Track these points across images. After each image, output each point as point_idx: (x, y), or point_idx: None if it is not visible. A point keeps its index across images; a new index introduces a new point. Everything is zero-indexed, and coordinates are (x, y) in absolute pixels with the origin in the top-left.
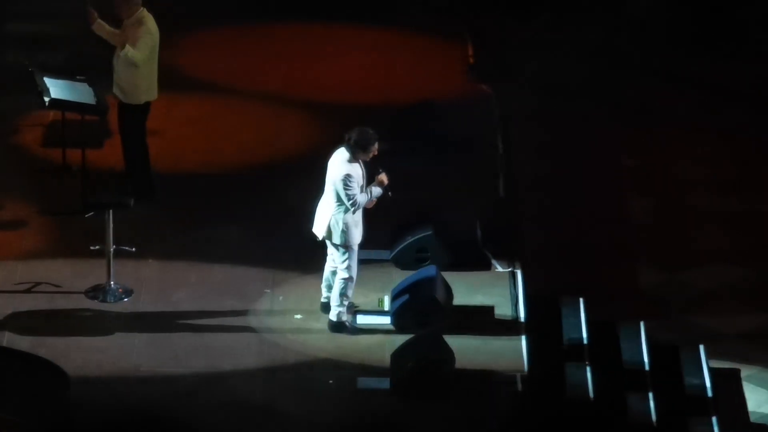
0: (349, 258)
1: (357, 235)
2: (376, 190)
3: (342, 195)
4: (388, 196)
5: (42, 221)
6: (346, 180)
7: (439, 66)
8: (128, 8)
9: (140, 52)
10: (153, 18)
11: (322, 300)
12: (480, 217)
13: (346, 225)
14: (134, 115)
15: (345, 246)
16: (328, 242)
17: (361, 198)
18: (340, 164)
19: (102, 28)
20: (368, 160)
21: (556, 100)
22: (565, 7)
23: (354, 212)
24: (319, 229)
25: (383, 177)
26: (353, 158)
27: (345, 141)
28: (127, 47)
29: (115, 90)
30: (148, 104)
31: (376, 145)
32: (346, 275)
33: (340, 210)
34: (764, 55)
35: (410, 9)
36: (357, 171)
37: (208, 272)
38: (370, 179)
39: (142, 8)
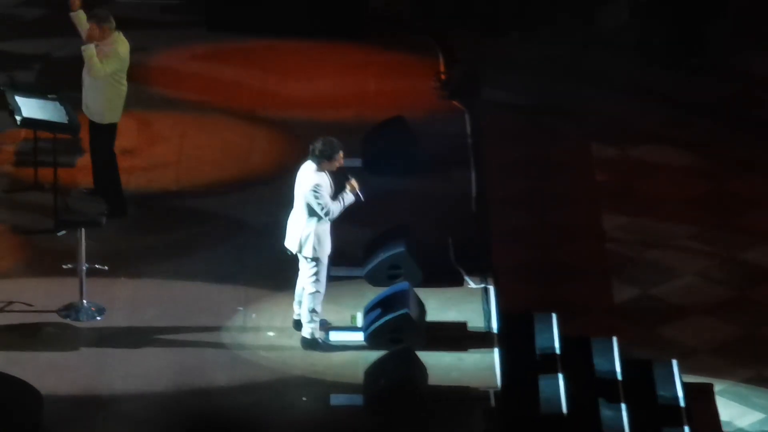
0: (317, 272)
1: (327, 247)
2: (348, 197)
3: (314, 206)
4: (361, 201)
5: (14, 240)
6: (316, 189)
7: (411, 83)
8: (101, 33)
9: (103, 67)
10: (127, 43)
11: (295, 317)
12: (452, 234)
13: (317, 236)
14: (102, 134)
15: (315, 258)
16: (299, 257)
17: (334, 206)
18: (307, 176)
19: (80, 19)
20: (335, 170)
21: (527, 117)
22: (536, 25)
23: (330, 219)
24: (291, 243)
25: (353, 182)
26: (320, 168)
27: (310, 152)
28: (95, 51)
29: (84, 107)
30: (114, 125)
31: (341, 154)
32: (314, 289)
33: (311, 222)
34: (732, 70)
35: (381, 25)
36: (325, 180)
37: (180, 290)
38: (338, 190)
39: (116, 32)
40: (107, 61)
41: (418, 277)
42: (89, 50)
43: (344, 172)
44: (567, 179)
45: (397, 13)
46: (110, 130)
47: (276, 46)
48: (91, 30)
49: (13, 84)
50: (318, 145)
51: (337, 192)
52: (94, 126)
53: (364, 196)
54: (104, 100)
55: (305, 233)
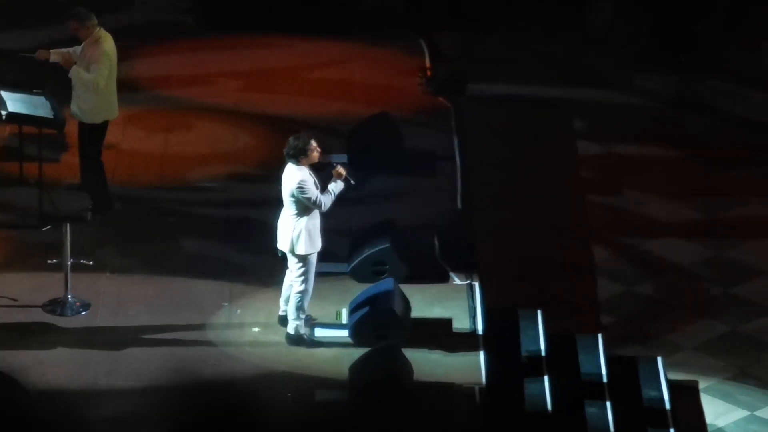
0: (306, 271)
1: (318, 242)
2: (338, 185)
3: (304, 201)
4: (352, 186)
5: None
6: (301, 185)
7: (397, 79)
8: (85, 30)
9: (99, 77)
10: (111, 37)
11: (280, 313)
12: (438, 230)
13: (308, 233)
14: (94, 134)
15: (306, 256)
16: (288, 255)
17: (325, 197)
18: (290, 175)
19: (58, 55)
20: (316, 161)
21: (513, 113)
22: (525, 22)
23: (323, 210)
24: (283, 243)
25: (340, 169)
26: (300, 165)
27: (285, 155)
28: (83, 73)
29: (74, 109)
30: (106, 123)
31: (314, 144)
32: (302, 288)
33: (301, 220)
34: (721, 68)
35: (368, 21)
36: (308, 175)
37: (165, 285)
38: (326, 183)
39: (99, 28)
40: (98, 68)
41: (403, 273)
42: (77, 73)
43: (330, 163)
44: (553, 176)
45: (383, 9)
46: (104, 128)
47: (262, 41)
48: (75, 30)
49: None
50: (290, 145)
51: (325, 184)
52: (84, 126)
53: (354, 180)
54: (98, 99)
55: (296, 232)
